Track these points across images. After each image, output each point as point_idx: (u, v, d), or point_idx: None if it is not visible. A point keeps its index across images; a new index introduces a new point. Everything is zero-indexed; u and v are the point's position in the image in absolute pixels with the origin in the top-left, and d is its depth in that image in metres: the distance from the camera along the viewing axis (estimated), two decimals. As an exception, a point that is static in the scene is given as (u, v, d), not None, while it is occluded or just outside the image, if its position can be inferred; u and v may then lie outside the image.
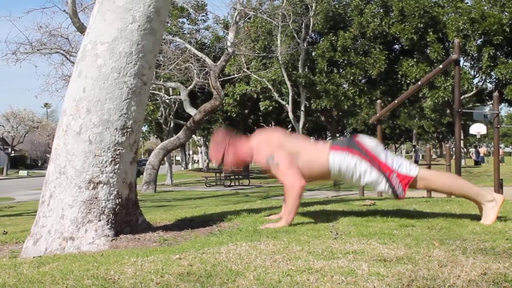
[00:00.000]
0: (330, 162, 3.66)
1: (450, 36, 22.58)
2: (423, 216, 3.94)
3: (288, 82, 24.62)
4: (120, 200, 3.55)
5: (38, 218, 3.56)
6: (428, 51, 23.87)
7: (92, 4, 14.24)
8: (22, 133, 46.62)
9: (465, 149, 41.88)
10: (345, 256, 2.49)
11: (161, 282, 2.16)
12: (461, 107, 6.79)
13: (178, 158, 73.09)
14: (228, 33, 17.15)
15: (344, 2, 26.63)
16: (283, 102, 25.81)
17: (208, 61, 16.57)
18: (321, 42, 26.23)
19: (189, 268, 2.35)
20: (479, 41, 23.11)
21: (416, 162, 32.37)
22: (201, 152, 53.83)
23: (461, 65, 14.87)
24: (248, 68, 22.74)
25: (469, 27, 22.20)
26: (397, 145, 72.43)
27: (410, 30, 23.04)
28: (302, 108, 25.50)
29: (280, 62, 24.27)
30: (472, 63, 24.57)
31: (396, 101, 8.35)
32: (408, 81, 23.31)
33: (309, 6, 25.21)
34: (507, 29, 21.88)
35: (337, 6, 26.35)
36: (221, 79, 20.42)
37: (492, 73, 23.55)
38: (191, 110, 17.71)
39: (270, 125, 36.96)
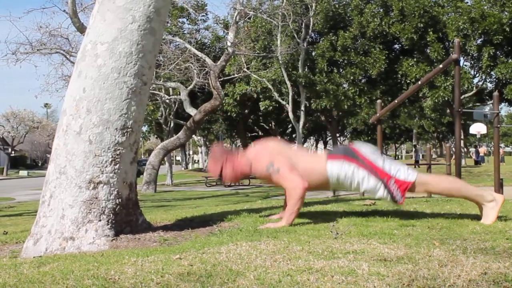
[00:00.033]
0: (328, 171, 3.68)
1: (450, 36, 22.58)
2: (423, 216, 3.94)
3: (288, 82, 24.62)
4: (120, 200, 3.55)
5: (38, 218, 3.56)
6: (428, 50, 23.87)
7: (92, 4, 14.24)
8: (22, 133, 46.62)
9: (465, 149, 41.88)
10: (345, 256, 2.50)
11: (161, 282, 2.16)
12: (461, 107, 6.78)
13: (178, 158, 73.11)
14: (228, 33, 17.15)
15: (344, 2, 26.63)
16: (283, 102, 25.81)
17: (208, 61, 16.57)
18: (321, 42, 26.22)
19: (189, 268, 2.35)
20: (479, 41, 23.10)
21: (416, 161, 32.36)
22: (201, 152, 53.84)
23: (461, 64, 14.88)
24: (248, 68, 22.74)
25: (469, 26, 22.20)
26: (397, 145, 72.46)
27: (410, 29, 23.04)
28: (302, 108, 25.51)
29: (280, 62, 24.27)
30: (472, 62, 24.57)
31: (396, 101, 8.35)
32: (408, 81, 23.31)
33: (309, 6, 25.21)
34: (507, 29, 21.87)
35: (337, 6, 26.35)
36: (221, 79, 20.41)
37: (492, 72, 23.54)
38: (191, 110, 17.71)
39: (270, 125, 36.98)
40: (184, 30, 26.95)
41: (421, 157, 36.43)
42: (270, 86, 25.19)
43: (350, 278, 2.13)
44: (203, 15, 28.20)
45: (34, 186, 24.41)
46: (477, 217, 3.69)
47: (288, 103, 25.29)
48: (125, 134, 3.58)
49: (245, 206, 5.51)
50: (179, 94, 19.48)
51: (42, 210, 3.55)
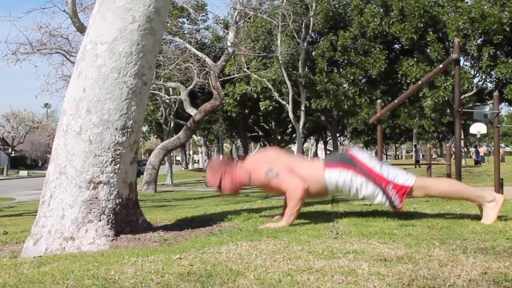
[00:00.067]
0: (327, 178, 3.69)
1: (450, 36, 22.57)
2: (423, 216, 3.94)
3: (288, 82, 24.62)
4: (120, 200, 3.55)
5: (38, 218, 3.56)
6: (428, 50, 23.85)
7: (92, 4, 14.24)
8: (22, 133, 46.63)
9: (465, 149, 41.89)
10: (345, 256, 2.49)
11: (161, 282, 2.16)
12: (461, 107, 6.77)
13: (178, 158, 73.10)
14: (228, 33, 17.15)
15: (344, 2, 26.62)
16: (283, 102, 25.81)
17: (208, 61, 16.56)
18: (321, 41, 26.22)
19: (189, 268, 2.35)
20: (479, 41, 23.08)
21: (417, 161, 32.36)
22: (201, 152, 53.86)
23: (461, 64, 14.88)
24: (248, 68, 22.73)
25: (469, 26, 22.19)
26: (397, 145, 72.46)
27: (410, 29, 23.03)
28: (302, 108, 25.50)
29: (280, 62, 24.26)
30: (472, 62, 24.55)
31: (396, 101, 8.33)
32: (408, 81, 23.30)
33: (309, 6, 25.20)
34: (507, 29, 21.86)
35: (337, 5, 26.34)
36: (221, 79, 20.41)
37: (492, 72, 23.52)
38: (191, 110, 17.70)
39: (270, 125, 36.97)
40: (184, 30, 26.95)
41: (421, 157, 36.42)
42: (270, 86, 25.19)
43: (350, 278, 2.13)
44: (203, 15, 28.21)
45: (34, 186, 24.41)
46: (477, 217, 3.69)
47: (288, 103, 25.29)
48: (125, 134, 3.58)
49: (245, 206, 5.52)
50: (179, 94, 19.47)
51: (42, 210, 3.55)
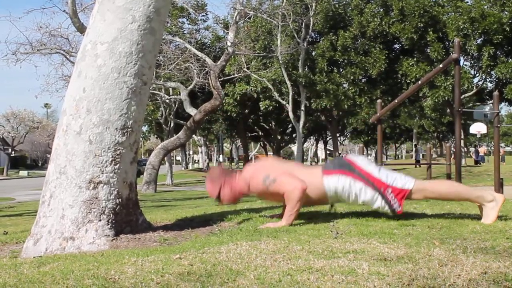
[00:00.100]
0: (326, 185, 3.70)
1: (450, 36, 22.56)
2: (423, 215, 3.94)
3: (288, 82, 24.62)
4: (120, 200, 3.55)
5: (38, 218, 3.56)
6: (428, 50, 23.85)
7: (92, 4, 14.23)
8: (22, 134, 46.62)
9: (465, 149, 41.89)
10: (345, 256, 2.49)
11: (161, 282, 2.16)
12: (461, 107, 6.77)
13: (179, 158, 73.11)
14: (228, 33, 17.14)
15: (344, 2, 26.61)
16: (283, 102, 25.81)
17: (208, 61, 16.56)
18: (321, 41, 26.22)
19: (189, 267, 2.35)
20: (479, 41, 23.08)
21: (417, 161, 32.38)
22: (201, 152, 53.85)
23: (461, 64, 14.88)
24: (248, 68, 22.73)
25: (469, 26, 22.18)
26: (397, 145, 72.45)
27: (410, 29, 23.02)
28: (302, 108, 25.50)
29: (280, 61, 24.26)
30: (472, 62, 24.55)
31: (396, 101, 8.34)
32: (408, 81, 23.29)
33: (309, 6, 25.20)
34: (507, 28, 21.85)
35: (337, 5, 26.34)
36: (221, 79, 20.41)
37: (492, 72, 23.52)
38: (191, 110, 17.70)
39: (270, 124, 36.97)
40: (184, 30, 26.95)
41: (421, 157, 36.45)
42: (270, 86, 25.19)
43: (350, 278, 2.12)
44: (203, 15, 28.22)
45: (34, 186, 24.41)
46: (477, 217, 3.69)
47: (288, 103, 25.29)
48: (125, 134, 3.58)
49: (245, 206, 5.51)
50: (179, 94, 19.47)
51: (42, 210, 3.55)
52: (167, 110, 27.80)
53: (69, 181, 3.46)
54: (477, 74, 24.63)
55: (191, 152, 73.17)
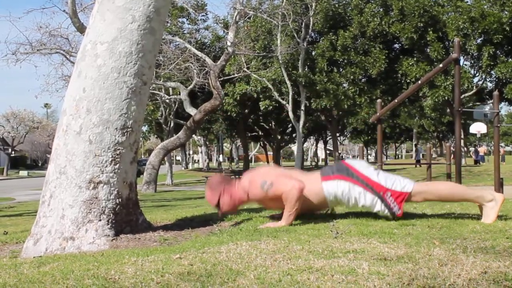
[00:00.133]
0: (325, 191, 3.71)
1: (450, 35, 22.57)
2: (423, 215, 3.94)
3: (288, 82, 24.62)
4: (120, 200, 3.55)
5: (38, 218, 3.56)
6: (428, 50, 23.86)
7: (92, 4, 14.23)
8: (22, 134, 46.62)
9: (465, 148, 41.91)
10: (345, 255, 2.49)
11: (161, 282, 2.16)
12: (461, 106, 6.78)
13: (178, 158, 73.12)
14: (228, 32, 17.14)
15: (344, 2, 26.62)
16: (283, 102, 25.81)
17: (208, 60, 16.56)
18: (321, 41, 26.22)
19: (189, 267, 2.35)
20: (479, 40, 23.09)
21: (417, 161, 32.39)
22: (201, 152, 53.85)
23: (461, 64, 14.88)
24: (248, 68, 22.73)
25: (469, 26, 22.19)
26: (397, 145, 72.47)
27: (410, 29, 23.03)
28: (302, 108, 25.50)
29: (280, 61, 24.26)
30: (472, 62, 24.56)
31: (396, 100, 8.34)
32: (408, 80, 23.30)
33: (309, 6, 25.20)
34: (507, 28, 21.86)
35: (337, 5, 26.34)
36: (221, 78, 20.41)
37: (492, 72, 23.53)
38: (191, 110, 17.71)
39: (270, 124, 36.98)
40: (184, 30, 26.96)
41: (421, 157, 36.48)
42: (270, 86, 25.19)
43: (350, 277, 2.12)
44: (203, 15, 28.24)
45: (34, 186, 24.41)
46: (477, 217, 3.69)
47: (288, 103, 25.29)
48: (125, 134, 3.58)
49: (245, 206, 5.51)
50: (179, 94, 19.48)
51: (42, 210, 3.55)
52: (167, 110, 27.81)
53: (69, 181, 3.46)
54: (477, 74, 24.64)
55: (191, 152, 73.18)
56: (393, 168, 26.98)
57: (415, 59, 23.90)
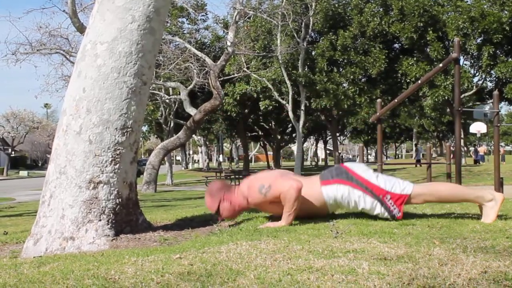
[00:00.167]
0: (324, 195, 3.72)
1: (450, 35, 22.57)
2: (423, 215, 3.94)
3: (288, 82, 24.61)
4: (120, 200, 3.55)
5: (38, 218, 3.56)
6: (428, 50, 23.86)
7: (91, 4, 14.23)
8: (22, 134, 46.63)
9: (465, 148, 41.93)
10: (345, 255, 2.49)
11: (161, 282, 2.16)
12: (461, 106, 6.78)
13: (178, 158, 73.14)
14: (227, 32, 17.15)
15: (344, 1, 26.62)
16: (283, 102, 25.80)
17: (208, 60, 16.56)
18: (321, 41, 26.21)
19: (189, 267, 2.35)
20: (479, 40, 23.08)
21: (417, 161, 32.40)
22: (201, 152, 53.87)
23: (461, 63, 14.87)
24: (248, 68, 22.73)
25: (469, 25, 22.19)
26: (397, 144, 72.48)
27: (410, 29, 23.03)
28: (302, 107, 25.49)
29: (280, 61, 24.25)
30: (472, 61, 24.56)
31: (396, 100, 8.34)
32: (408, 80, 23.30)
33: (308, 6, 25.19)
34: (507, 28, 21.86)
35: (336, 5, 26.33)
36: (221, 78, 20.41)
37: (492, 71, 23.53)
38: (191, 110, 17.71)
39: (270, 124, 36.98)
40: (183, 30, 26.96)
41: (421, 156, 36.50)
42: (270, 86, 25.18)
43: (350, 277, 2.12)
44: (202, 15, 28.23)
45: (34, 186, 24.41)
46: (477, 216, 3.69)
47: (288, 103, 25.28)
48: (125, 134, 3.58)
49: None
50: (179, 94, 19.48)
51: (42, 210, 3.55)
52: (167, 110, 27.81)
53: (69, 181, 3.46)
54: (477, 74, 24.65)
55: (191, 152, 73.20)
56: (393, 168, 26.98)
57: (415, 58, 23.90)
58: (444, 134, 51.38)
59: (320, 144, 64.56)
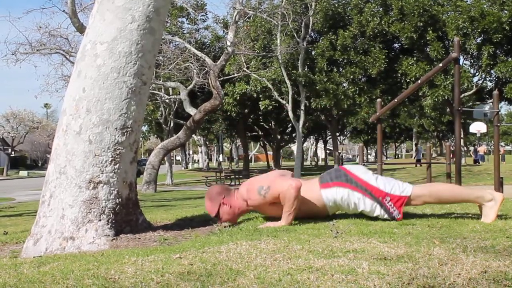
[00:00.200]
0: (324, 198, 3.73)
1: (450, 35, 22.56)
2: (423, 215, 3.94)
3: (288, 81, 24.61)
4: (120, 199, 3.55)
5: (38, 218, 3.56)
6: (427, 49, 23.85)
7: (91, 4, 14.23)
8: (22, 134, 46.63)
9: (465, 148, 41.94)
10: (345, 255, 2.49)
11: (161, 282, 2.16)
12: (461, 106, 6.78)
13: (178, 157, 73.14)
14: (227, 32, 17.15)
15: (344, 1, 26.61)
16: (283, 101, 25.80)
17: (208, 60, 16.56)
18: (320, 41, 26.21)
19: (189, 267, 2.35)
20: (478, 40, 23.08)
21: (418, 160, 32.40)
22: (201, 152, 53.86)
23: (461, 63, 14.87)
24: (248, 68, 22.73)
25: (468, 25, 22.19)
26: (397, 144, 72.48)
27: (410, 28, 23.03)
28: (302, 107, 25.49)
29: (280, 61, 24.25)
30: (472, 61, 24.56)
31: (396, 100, 8.34)
32: (408, 80, 23.30)
33: (308, 5, 25.18)
34: (507, 27, 21.85)
35: (336, 5, 26.33)
36: (221, 78, 20.41)
37: (491, 71, 23.53)
38: (191, 110, 17.71)
39: (270, 124, 36.98)
40: (183, 30, 26.95)
41: (421, 156, 36.53)
42: (270, 86, 25.18)
43: (350, 277, 2.12)
44: (202, 15, 28.22)
45: (34, 186, 24.41)
46: (477, 216, 3.69)
47: (288, 103, 25.27)
48: (125, 133, 3.58)
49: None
50: (179, 94, 19.48)
51: (42, 210, 3.55)
52: (167, 110, 27.81)
53: (69, 181, 3.46)
54: (477, 73, 24.65)
55: (191, 152, 73.20)
56: (393, 168, 26.98)
57: (414, 58, 23.90)
58: (444, 134, 51.40)
59: (320, 144, 64.57)
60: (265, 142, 44.94)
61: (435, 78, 21.80)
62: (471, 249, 2.57)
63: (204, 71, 18.13)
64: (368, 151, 69.32)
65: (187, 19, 27.96)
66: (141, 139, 21.19)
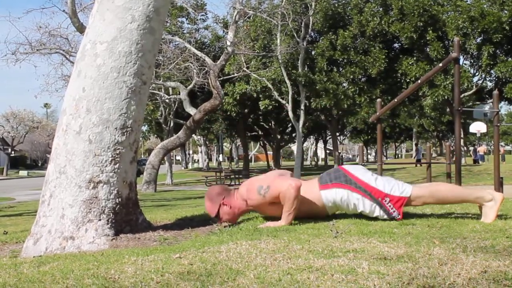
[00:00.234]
0: (324, 199, 3.73)
1: (450, 35, 22.56)
2: (423, 215, 3.94)
3: (287, 81, 24.60)
4: (120, 199, 3.55)
5: (38, 217, 3.56)
6: (427, 49, 23.85)
7: (91, 4, 14.23)
8: (22, 133, 46.63)
9: (465, 148, 41.96)
10: (345, 255, 2.49)
11: (161, 281, 2.16)
12: (461, 106, 6.78)
13: (178, 157, 73.13)
14: (227, 32, 17.15)
15: (344, 1, 26.60)
16: (283, 101, 25.79)
17: (208, 60, 16.56)
18: (320, 41, 26.20)
19: (189, 267, 2.35)
20: (478, 40, 23.08)
21: (418, 160, 32.40)
22: (201, 152, 53.87)
23: (460, 63, 14.87)
24: (247, 67, 22.72)
25: (468, 25, 22.18)
26: (397, 144, 72.49)
27: (410, 28, 23.02)
28: (302, 107, 25.49)
29: (280, 61, 24.24)
30: (472, 61, 24.56)
31: (396, 100, 8.33)
32: (408, 80, 23.30)
33: (308, 5, 25.17)
34: (507, 27, 21.85)
35: (336, 5, 26.32)
36: (221, 78, 20.41)
37: (491, 71, 23.53)
38: (191, 110, 17.71)
39: (270, 124, 36.97)
40: (183, 30, 26.94)
41: (421, 156, 36.54)
42: (270, 86, 25.17)
43: (350, 277, 2.12)
44: (202, 15, 28.22)
45: (34, 186, 24.41)
46: (477, 216, 3.69)
47: (288, 102, 25.27)
48: (125, 133, 3.58)
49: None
50: (179, 94, 19.48)
51: (42, 210, 3.55)
52: (167, 109, 27.81)
53: (69, 181, 3.46)
54: (477, 73, 24.65)
55: (191, 152, 73.21)
56: (393, 168, 26.98)
57: (414, 58, 23.89)
58: (444, 133, 51.41)
59: (320, 144, 64.56)
60: (265, 142, 44.95)
61: (435, 78, 21.80)
62: (471, 249, 2.57)
63: (204, 71, 18.13)
64: (368, 151, 69.33)
65: (187, 19, 27.96)
66: (141, 139, 21.20)
